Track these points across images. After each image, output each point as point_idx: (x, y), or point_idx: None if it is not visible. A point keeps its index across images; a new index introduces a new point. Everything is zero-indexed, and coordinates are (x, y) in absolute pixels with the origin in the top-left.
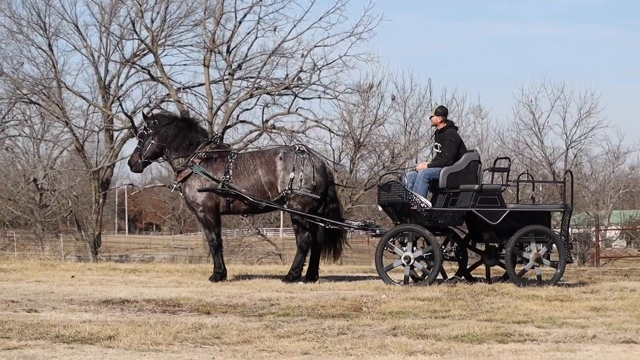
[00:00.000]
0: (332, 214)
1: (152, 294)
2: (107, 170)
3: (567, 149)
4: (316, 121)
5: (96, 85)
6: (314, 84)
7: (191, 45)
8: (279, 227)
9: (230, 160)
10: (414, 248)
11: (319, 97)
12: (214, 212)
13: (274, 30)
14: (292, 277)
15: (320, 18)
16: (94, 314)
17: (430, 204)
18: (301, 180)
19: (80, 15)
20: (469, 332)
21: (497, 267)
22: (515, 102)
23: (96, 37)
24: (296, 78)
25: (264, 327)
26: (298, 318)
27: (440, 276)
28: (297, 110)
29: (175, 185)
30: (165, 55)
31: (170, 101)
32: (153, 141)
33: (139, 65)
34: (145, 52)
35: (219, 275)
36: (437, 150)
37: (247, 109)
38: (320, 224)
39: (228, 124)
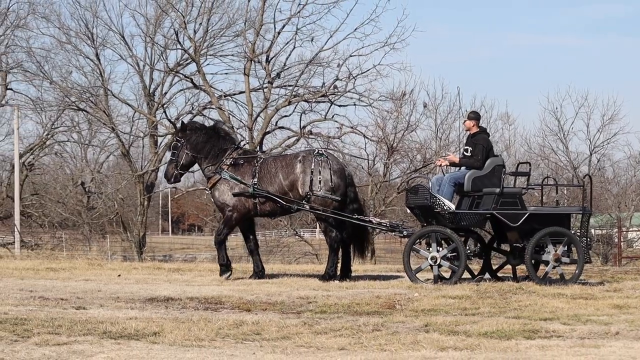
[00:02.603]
0: (356, 213)
1: (195, 292)
2: (152, 174)
3: (591, 154)
4: (351, 127)
5: (141, 93)
6: (349, 91)
7: (232, 55)
8: (316, 228)
9: (256, 164)
10: (439, 248)
11: (354, 105)
12: (242, 214)
13: (311, 40)
14: (328, 276)
15: (356, 29)
16: (139, 311)
17: (453, 206)
18: (320, 182)
19: (126, 26)
20: (498, 329)
21: (523, 267)
22: (541, 109)
23: (141, 47)
24: (332, 86)
25: (302, 323)
26: (334, 315)
27: (467, 275)
28: (333, 116)
29: (207, 192)
30: (208, 64)
31: (212, 108)
32: (187, 151)
33: (182, 74)
34: (188, 61)
35: (224, 270)
36: (467, 154)
37: (285, 116)
38: (354, 221)
39: (267, 130)
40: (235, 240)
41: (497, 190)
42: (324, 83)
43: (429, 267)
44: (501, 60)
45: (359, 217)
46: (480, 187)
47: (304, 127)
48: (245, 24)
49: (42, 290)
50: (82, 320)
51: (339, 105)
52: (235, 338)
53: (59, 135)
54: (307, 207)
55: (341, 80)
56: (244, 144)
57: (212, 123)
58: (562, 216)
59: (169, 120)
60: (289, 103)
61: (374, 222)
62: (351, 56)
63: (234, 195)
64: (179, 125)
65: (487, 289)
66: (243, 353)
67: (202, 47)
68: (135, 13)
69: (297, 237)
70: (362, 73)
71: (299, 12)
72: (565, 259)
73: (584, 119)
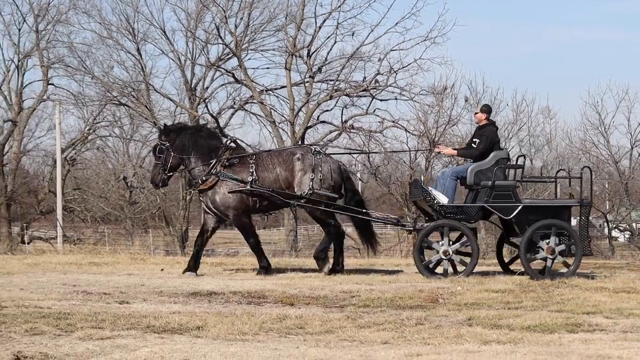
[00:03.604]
0: (357, 206)
1: (238, 286)
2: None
3: (632, 148)
4: (393, 121)
5: (183, 87)
6: (390, 86)
7: (273, 50)
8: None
9: (251, 161)
10: (450, 242)
11: (396, 99)
12: (246, 213)
13: (352, 35)
14: (319, 259)
15: (397, 23)
16: (182, 306)
17: (445, 200)
18: (321, 180)
19: (167, 21)
20: (541, 323)
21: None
22: (582, 103)
23: (182, 41)
24: (373, 80)
25: (345, 317)
26: (378, 309)
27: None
28: (374, 111)
29: (193, 192)
30: (249, 59)
31: (254, 103)
32: (173, 153)
33: (224, 69)
34: (229, 56)
35: (264, 270)
36: (474, 146)
37: (327, 110)
38: (361, 215)
39: (309, 124)
40: (279, 235)
41: (489, 183)
42: (365, 77)
43: (440, 260)
44: (542, 54)
45: (358, 210)
46: (483, 180)
47: (346, 121)
48: (286, 18)
49: (85, 285)
50: (125, 315)
51: (381, 100)
52: (278, 332)
53: (101, 130)
54: (308, 205)
55: (382, 74)
56: (230, 142)
57: (194, 124)
58: (559, 208)
59: (211, 115)
60: (331, 97)
61: (373, 216)
62: (392, 50)
63: (231, 193)
64: (222, 120)
65: (530, 282)
66: (286, 347)
67: (243, 42)
68: (176, 8)
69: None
70: (403, 67)
71: (339, 6)
72: (559, 248)
73: (625, 113)
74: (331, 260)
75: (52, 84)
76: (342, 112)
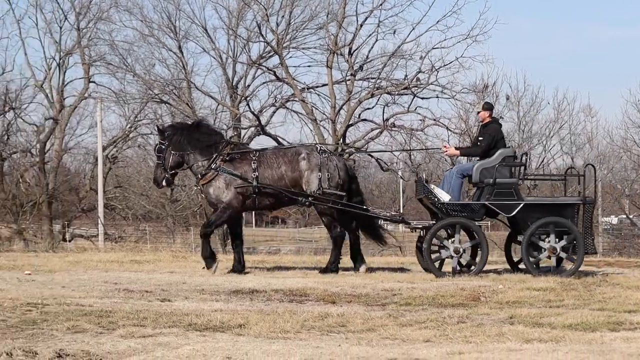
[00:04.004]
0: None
1: (280, 284)
2: None
3: None
4: (434, 119)
5: (224, 85)
6: (432, 84)
7: (315, 48)
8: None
9: (253, 158)
10: (461, 239)
11: (437, 97)
12: (236, 211)
13: (394, 33)
14: (329, 270)
15: (438, 21)
16: (224, 304)
17: (447, 198)
18: (329, 178)
19: (208, 19)
20: (582, 321)
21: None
22: (624, 101)
23: (224, 39)
24: (415, 79)
25: (387, 315)
26: (419, 307)
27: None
28: (416, 109)
29: (196, 188)
30: (290, 57)
31: (295, 101)
32: (173, 152)
33: (265, 67)
34: (271, 54)
35: (209, 260)
36: (479, 144)
37: (368, 108)
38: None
39: (350, 122)
40: (320, 233)
41: (491, 180)
42: (406, 75)
43: (449, 258)
44: (583, 52)
45: (365, 208)
46: (488, 178)
47: (387, 119)
48: (327, 16)
49: (126, 283)
50: (167, 313)
51: (422, 98)
52: (320, 330)
53: (142, 127)
54: (314, 201)
55: (424, 72)
56: (232, 138)
57: (193, 120)
58: (561, 206)
59: (252, 113)
60: (372, 95)
61: (379, 214)
62: (433, 48)
63: (236, 187)
64: (263, 118)
65: (571, 281)
66: (328, 345)
67: (284, 40)
68: (217, 5)
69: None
70: (445, 65)
71: (381, 4)
72: (558, 245)
73: None
74: (367, 259)
75: (94, 82)
76: (383, 110)
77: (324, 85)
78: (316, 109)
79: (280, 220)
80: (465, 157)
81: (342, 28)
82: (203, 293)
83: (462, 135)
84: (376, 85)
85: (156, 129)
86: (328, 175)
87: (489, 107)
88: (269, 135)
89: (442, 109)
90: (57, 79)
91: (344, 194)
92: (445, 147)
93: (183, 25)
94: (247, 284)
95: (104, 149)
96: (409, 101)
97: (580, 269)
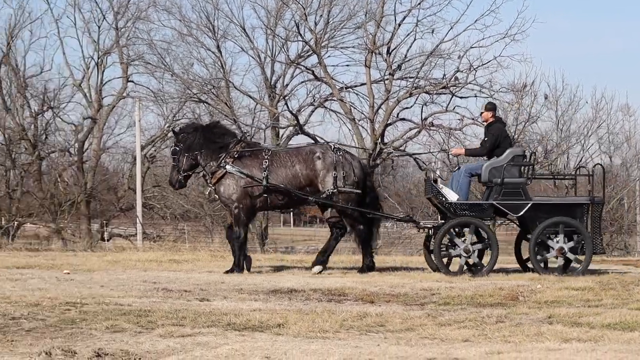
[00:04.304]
0: (372, 203)
1: (318, 283)
2: None
3: None
4: (473, 119)
5: (263, 85)
6: (470, 83)
7: (353, 47)
8: (437, 220)
9: (265, 157)
10: (472, 239)
11: (475, 96)
12: (249, 209)
13: (432, 32)
14: (367, 268)
15: (476, 20)
16: (263, 303)
17: (455, 197)
18: (344, 177)
19: (247, 18)
20: (621, 320)
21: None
22: None
23: (262, 39)
24: (453, 78)
25: (426, 315)
26: (458, 307)
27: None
28: (454, 108)
29: (210, 188)
30: (329, 56)
31: (334, 100)
32: (186, 154)
33: (304, 66)
34: (309, 53)
35: (236, 271)
36: (483, 144)
37: (406, 108)
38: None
39: (388, 122)
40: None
41: (499, 180)
42: (444, 75)
43: (458, 257)
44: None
45: (382, 214)
46: (497, 178)
47: (425, 118)
48: (365, 15)
49: (165, 282)
50: (205, 312)
51: (460, 97)
52: (359, 329)
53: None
54: (328, 201)
55: (462, 71)
56: (247, 137)
57: (207, 122)
58: (569, 206)
59: (291, 112)
60: (410, 95)
61: (392, 214)
62: (472, 48)
63: (244, 187)
64: (301, 117)
65: (610, 280)
66: (367, 344)
67: (323, 39)
68: (256, 5)
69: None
70: (483, 64)
71: (419, 3)
72: (567, 246)
73: None
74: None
75: (132, 81)
76: (421, 109)
77: (362, 84)
78: (354, 108)
79: (318, 220)
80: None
81: (381, 27)
82: (242, 292)
83: None
84: (414, 85)
85: (174, 131)
86: (343, 174)
87: (491, 107)
88: (307, 134)
89: (480, 108)
90: (95, 78)
91: (359, 192)
92: (453, 150)
93: (221, 25)
94: (286, 284)
95: (142, 148)
96: (447, 100)
97: (618, 269)
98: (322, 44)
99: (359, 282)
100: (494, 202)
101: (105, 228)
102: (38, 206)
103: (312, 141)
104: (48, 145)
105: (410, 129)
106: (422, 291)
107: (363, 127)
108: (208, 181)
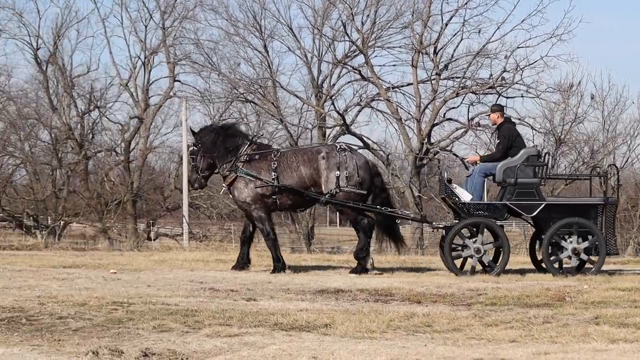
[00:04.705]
0: (384, 203)
1: (365, 283)
2: None
3: None
4: (519, 119)
5: (309, 84)
6: (516, 83)
7: (400, 47)
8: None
9: (273, 158)
10: (482, 239)
11: (522, 96)
12: (266, 208)
13: (479, 32)
14: (357, 257)
15: (523, 20)
16: (310, 303)
17: (468, 197)
18: (347, 177)
19: (293, 18)
20: None
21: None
22: None
23: (309, 38)
24: (500, 78)
25: (473, 315)
26: (505, 307)
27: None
28: None
29: (224, 189)
30: (375, 56)
31: (380, 100)
32: (203, 155)
33: (350, 66)
34: (356, 53)
35: (279, 268)
36: (496, 148)
37: (453, 108)
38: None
39: (435, 121)
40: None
41: (512, 180)
42: (491, 75)
43: (470, 257)
44: None
45: (390, 210)
46: (511, 178)
47: (472, 118)
48: (412, 15)
49: (212, 282)
50: (252, 312)
51: (507, 97)
52: (406, 330)
53: None
54: (335, 201)
55: (508, 71)
56: (258, 139)
57: (222, 123)
58: (583, 207)
59: (337, 112)
60: (457, 95)
61: (400, 213)
62: (518, 47)
63: (256, 187)
64: (348, 117)
65: None
66: (414, 345)
67: (369, 39)
68: (302, 5)
69: (433, 229)
70: (530, 64)
71: (466, 3)
72: (581, 246)
73: None
74: (374, 257)
75: (179, 81)
76: (468, 109)
77: (409, 84)
78: (401, 108)
79: None
80: None
81: (427, 27)
82: (288, 292)
83: (546, 135)
84: (461, 85)
85: (193, 131)
86: (347, 174)
87: (498, 108)
88: (354, 134)
89: (527, 108)
90: (142, 77)
91: (364, 192)
92: (469, 157)
93: (268, 25)
94: (333, 284)
95: (189, 147)
96: (494, 100)
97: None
98: (369, 44)
99: (405, 283)
100: (507, 202)
101: (151, 227)
102: (84, 206)
103: (360, 142)
104: (94, 144)
105: (457, 129)
106: (469, 291)
107: (410, 127)
108: (223, 182)
